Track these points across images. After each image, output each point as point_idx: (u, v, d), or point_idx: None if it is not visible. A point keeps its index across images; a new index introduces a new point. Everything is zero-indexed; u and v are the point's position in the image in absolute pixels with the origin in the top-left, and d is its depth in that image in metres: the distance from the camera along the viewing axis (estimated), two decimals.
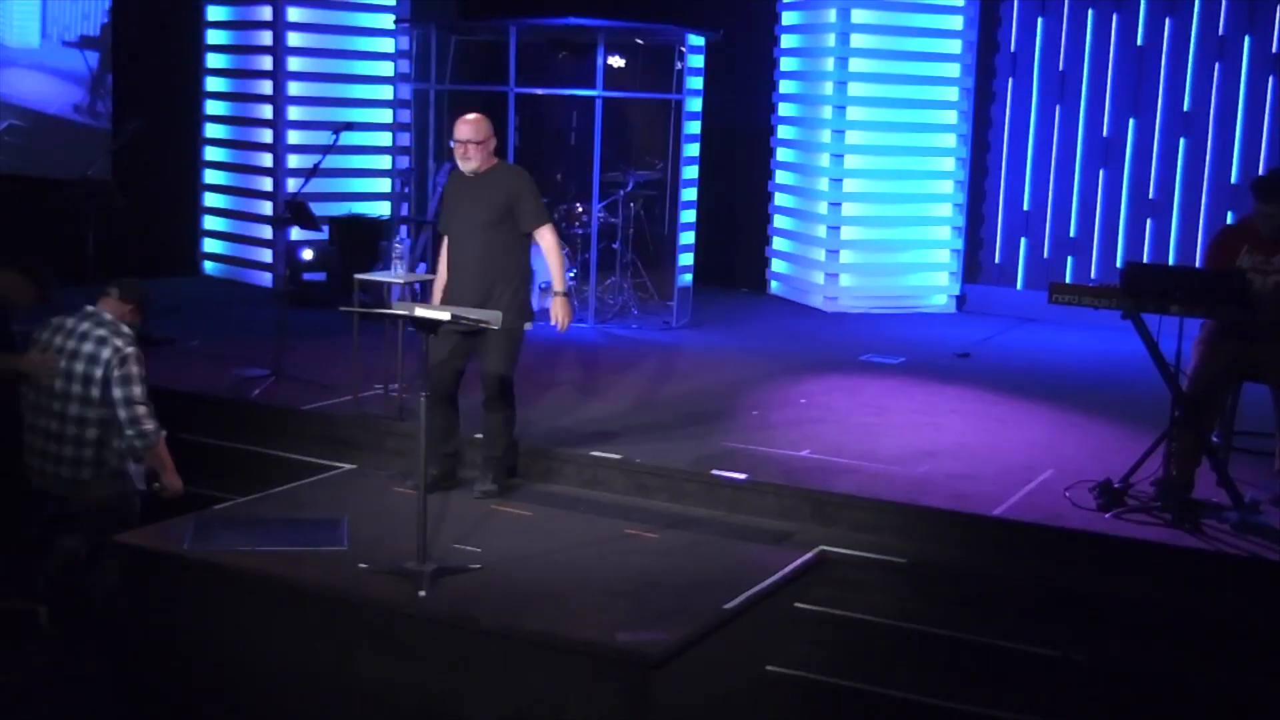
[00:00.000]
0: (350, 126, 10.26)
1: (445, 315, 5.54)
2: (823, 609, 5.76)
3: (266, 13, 11.67)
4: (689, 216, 10.92)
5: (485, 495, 6.56)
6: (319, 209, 9.97)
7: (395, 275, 7.87)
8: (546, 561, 5.81)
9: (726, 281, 12.46)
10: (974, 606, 5.71)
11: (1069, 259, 11.49)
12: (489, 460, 6.67)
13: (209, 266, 12.52)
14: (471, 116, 6.44)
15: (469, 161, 6.42)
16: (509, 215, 6.44)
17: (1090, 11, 11.24)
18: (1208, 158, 10.84)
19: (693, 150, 10.88)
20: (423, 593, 5.35)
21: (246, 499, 6.64)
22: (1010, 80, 11.65)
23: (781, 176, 12.29)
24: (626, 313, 10.82)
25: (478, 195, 6.45)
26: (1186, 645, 5.40)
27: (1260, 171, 10.23)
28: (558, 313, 6.54)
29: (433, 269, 7.07)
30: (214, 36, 12.17)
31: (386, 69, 12.15)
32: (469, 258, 6.46)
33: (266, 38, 11.69)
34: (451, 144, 6.48)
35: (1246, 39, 10.63)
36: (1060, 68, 11.41)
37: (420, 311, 5.52)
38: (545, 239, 6.53)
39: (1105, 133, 11.26)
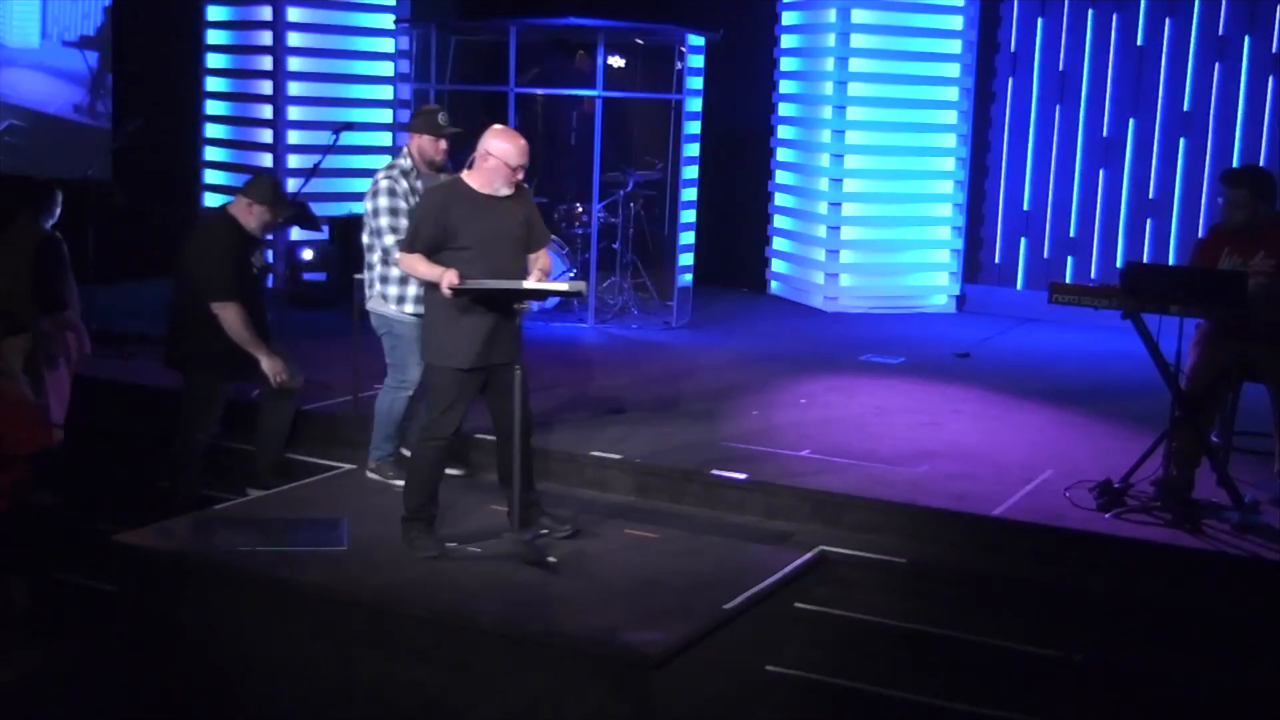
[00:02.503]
0: (350, 126, 10.26)
1: (548, 286, 5.91)
2: (823, 609, 5.76)
3: (266, 13, 11.66)
4: (689, 216, 10.91)
5: (571, 536, 6.10)
6: (319, 209, 9.99)
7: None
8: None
9: (726, 281, 12.45)
10: (974, 606, 5.71)
11: (1069, 259, 11.49)
12: (533, 505, 6.13)
13: None
14: (522, 140, 5.80)
15: (511, 187, 5.83)
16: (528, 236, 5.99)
17: (1090, 11, 11.23)
18: (1208, 158, 10.84)
19: (693, 150, 10.88)
20: (553, 559, 5.65)
21: (246, 499, 6.64)
22: (1010, 80, 11.65)
23: (781, 176, 12.29)
24: (626, 313, 10.82)
25: (506, 213, 5.82)
26: (1186, 645, 5.41)
27: None
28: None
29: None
30: (214, 36, 12.15)
31: (386, 69, 12.14)
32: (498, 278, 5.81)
33: (266, 38, 11.69)
34: (488, 163, 5.75)
35: (1246, 39, 10.63)
36: (1060, 68, 11.41)
37: (529, 284, 5.73)
38: (546, 257, 6.07)
39: (1105, 133, 11.26)
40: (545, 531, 6.05)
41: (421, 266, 5.77)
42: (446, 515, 6.39)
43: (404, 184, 6.52)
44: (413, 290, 6.46)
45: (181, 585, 5.77)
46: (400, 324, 6.56)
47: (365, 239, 6.65)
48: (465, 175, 5.87)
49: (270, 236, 6.93)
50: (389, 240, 6.45)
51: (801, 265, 12.06)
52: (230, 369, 6.77)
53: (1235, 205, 6.21)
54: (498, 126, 5.89)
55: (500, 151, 5.73)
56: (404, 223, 6.39)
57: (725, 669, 5.36)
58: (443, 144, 6.52)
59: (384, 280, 6.57)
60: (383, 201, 6.49)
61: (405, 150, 6.62)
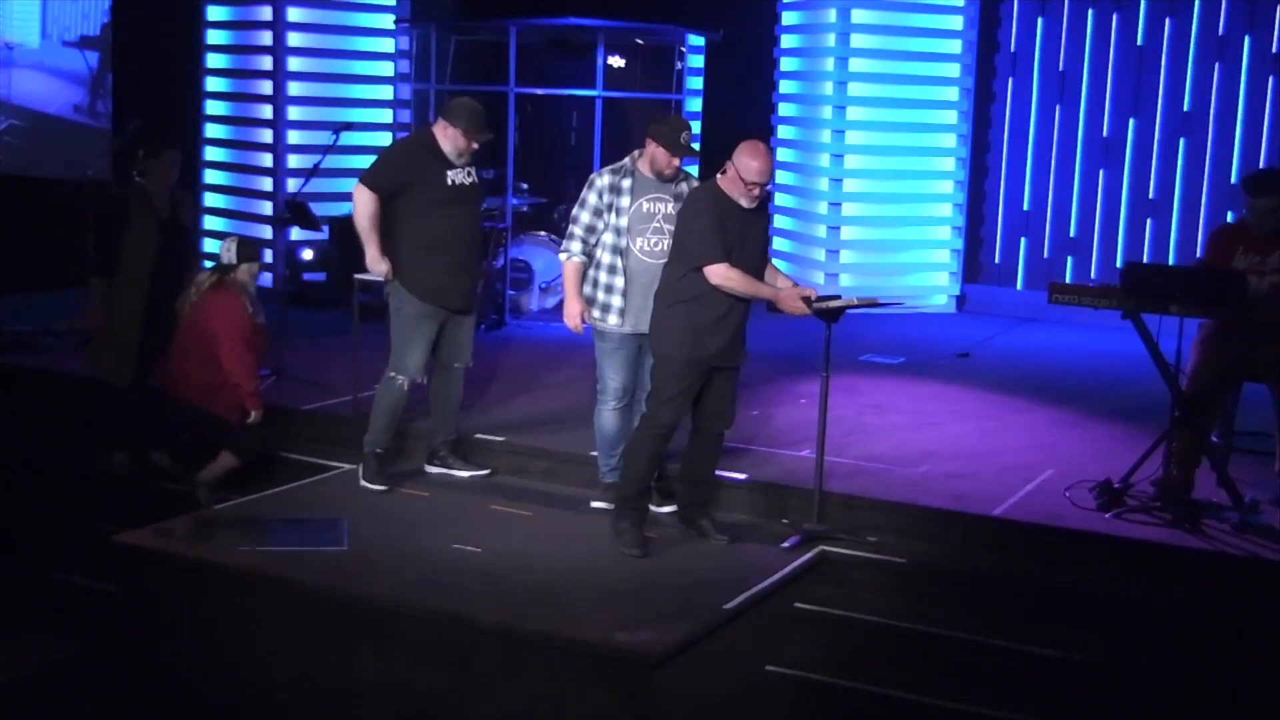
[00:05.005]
0: (350, 126, 10.24)
1: (882, 300, 6.70)
2: (823, 609, 5.76)
3: (266, 13, 11.66)
4: None
5: (735, 538, 6.16)
6: (319, 209, 9.97)
7: None
8: (546, 561, 5.81)
9: None
10: (974, 606, 5.71)
11: (1069, 259, 11.49)
12: (705, 505, 6.28)
13: (209, 266, 12.50)
14: (765, 159, 5.83)
15: (754, 202, 5.89)
16: None
17: (1090, 11, 11.23)
18: (1208, 158, 10.83)
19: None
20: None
21: (246, 499, 6.64)
22: (1010, 80, 11.64)
23: (781, 176, 12.26)
24: None
25: (754, 221, 5.97)
26: (1186, 645, 5.41)
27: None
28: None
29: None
30: (214, 36, 12.15)
31: (386, 69, 12.14)
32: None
33: (266, 38, 11.68)
34: (728, 174, 5.83)
35: (1246, 39, 10.63)
36: (1060, 68, 11.41)
37: (837, 302, 6.06)
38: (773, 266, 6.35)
39: (1105, 133, 11.26)
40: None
41: (746, 284, 5.85)
42: (451, 516, 6.40)
43: (605, 180, 6.29)
44: (617, 301, 6.25)
45: (181, 585, 5.77)
46: (597, 333, 6.37)
47: None
48: (719, 180, 5.88)
49: (472, 166, 6.65)
50: (568, 236, 6.34)
51: (801, 265, 12.05)
52: (431, 297, 6.63)
53: (1267, 212, 6.18)
54: (749, 142, 5.85)
55: (741, 167, 5.79)
56: (584, 222, 6.26)
57: (725, 669, 5.36)
58: (676, 160, 6.23)
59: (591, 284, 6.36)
60: (584, 194, 6.33)
61: (637, 150, 6.35)
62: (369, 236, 6.66)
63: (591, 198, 6.29)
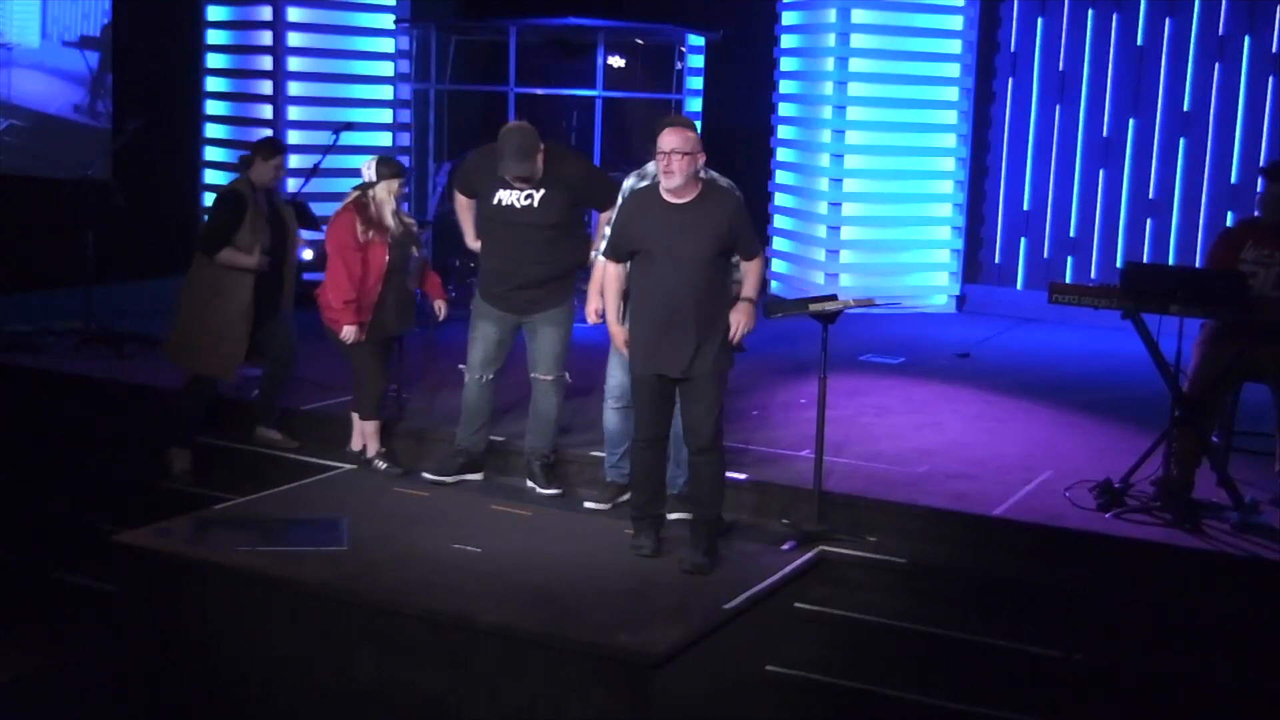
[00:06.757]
0: (350, 126, 10.26)
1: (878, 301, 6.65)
2: (823, 609, 5.76)
3: (266, 13, 11.66)
4: None
5: (696, 569, 5.69)
6: (319, 209, 9.98)
7: None
8: (546, 561, 5.81)
9: None
10: (974, 606, 5.71)
11: (1069, 259, 11.49)
12: (703, 525, 5.82)
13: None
14: (680, 123, 5.63)
15: (671, 177, 5.54)
16: (729, 247, 5.71)
17: (1090, 11, 11.23)
18: (1208, 158, 10.84)
19: None
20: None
21: (246, 499, 6.64)
22: (1010, 80, 11.65)
23: (781, 176, 12.29)
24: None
25: (690, 222, 5.60)
26: (1187, 645, 5.41)
27: None
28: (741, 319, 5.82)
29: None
30: (214, 36, 12.15)
31: (386, 69, 12.13)
32: (681, 298, 5.62)
33: (266, 38, 11.68)
34: (657, 157, 5.62)
35: (1246, 39, 10.63)
36: (1060, 68, 11.41)
37: (834, 304, 6.02)
38: (758, 264, 5.84)
39: (1105, 133, 11.26)
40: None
41: (610, 291, 5.93)
42: (451, 516, 6.40)
43: (628, 183, 6.26)
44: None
45: (181, 585, 5.77)
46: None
47: None
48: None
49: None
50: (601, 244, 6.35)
51: (801, 265, 12.06)
52: (485, 295, 6.75)
53: (1277, 198, 6.18)
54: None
55: (657, 143, 5.61)
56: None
57: (725, 669, 5.36)
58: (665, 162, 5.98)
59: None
60: (618, 199, 6.26)
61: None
62: (462, 223, 6.94)
63: (619, 201, 6.30)
